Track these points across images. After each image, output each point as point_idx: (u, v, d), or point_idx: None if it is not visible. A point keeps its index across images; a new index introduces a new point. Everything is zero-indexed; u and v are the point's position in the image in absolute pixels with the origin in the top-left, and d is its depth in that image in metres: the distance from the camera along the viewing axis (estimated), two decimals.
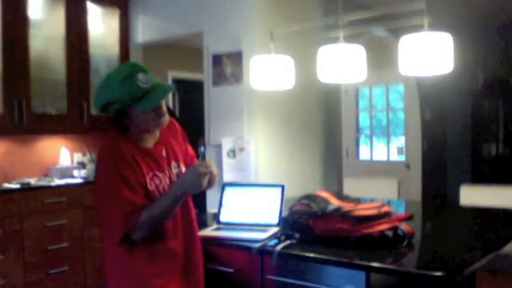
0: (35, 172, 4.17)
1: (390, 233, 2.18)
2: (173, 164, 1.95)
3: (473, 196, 3.51)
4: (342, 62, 2.59)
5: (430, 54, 2.33)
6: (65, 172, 4.18)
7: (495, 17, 5.72)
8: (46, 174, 4.21)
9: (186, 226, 1.98)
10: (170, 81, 6.42)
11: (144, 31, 4.59)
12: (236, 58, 3.76)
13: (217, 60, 3.88)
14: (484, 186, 3.66)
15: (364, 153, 7.30)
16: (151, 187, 1.81)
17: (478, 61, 6.20)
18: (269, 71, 2.91)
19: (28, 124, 3.85)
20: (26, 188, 3.75)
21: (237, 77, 3.77)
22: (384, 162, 6.88)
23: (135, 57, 4.67)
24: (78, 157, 4.45)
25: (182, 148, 2.07)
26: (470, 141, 6.31)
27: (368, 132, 7.26)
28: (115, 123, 1.85)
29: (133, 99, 1.74)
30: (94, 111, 4.30)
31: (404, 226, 2.19)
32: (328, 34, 2.73)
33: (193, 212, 2.07)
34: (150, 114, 1.79)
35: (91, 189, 4.13)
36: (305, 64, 3.16)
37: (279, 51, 2.92)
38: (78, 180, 4.12)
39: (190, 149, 2.15)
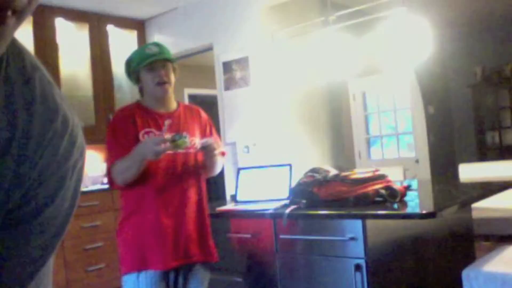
0: None
1: (384, 191, 2.50)
2: (184, 133, 2.22)
3: (470, 171, 3.81)
4: (333, 52, 2.97)
5: (409, 37, 2.69)
6: (96, 180, 4.59)
7: (488, 15, 6.05)
8: None
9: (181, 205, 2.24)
10: (186, 98, 6.85)
11: None
12: (244, 63, 4.16)
13: (227, 67, 4.28)
14: (479, 163, 3.96)
15: (376, 153, 7.60)
16: (142, 138, 2.15)
17: (475, 55, 6.52)
18: (270, 68, 3.29)
19: None
20: None
21: (246, 80, 4.16)
22: (395, 159, 7.16)
23: None
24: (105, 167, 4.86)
25: (201, 129, 2.39)
26: (474, 131, 6.58)
27: (378, 133, 7.58)
28: (139, 92, 2.31)
29: (138, 61, 2.21)
30: None
31: (396, 186, 2.52)
32: (322, 29, 3.12)
33: (194, 194, 2.29)
34: (150, 76, 2.20)
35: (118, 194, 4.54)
36: (306, 63, 3.53)
37: (280, 51, 3.31)
38: (106, 186, 4.52)
39: (215, 134, 2.45)
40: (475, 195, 2.63)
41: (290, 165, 2.87)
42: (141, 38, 5.06)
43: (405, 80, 6.54)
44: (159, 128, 2.21)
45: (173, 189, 2.21)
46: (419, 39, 2.63)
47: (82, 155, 0.50)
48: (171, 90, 2.27)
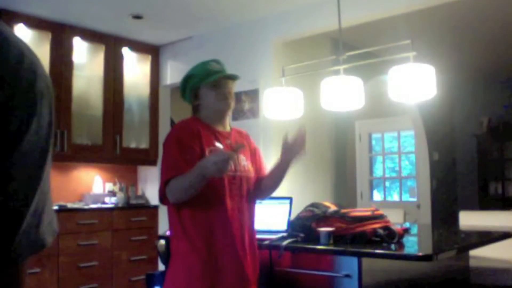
0: (71, 196, 4.61)
1: (382, 231, 2.51)
2: (242, 156, 2.18)
3: (470, 219, 3.81)
4: (342, 91, 3.02)
5: (415, 82, 2.73)
6: (98, 199, 4.61)
7: (498, 69, 6.14)
8: (80, 199, 4.64)
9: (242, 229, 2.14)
10: None
11: (172, 74, 5.13)
12: (253, 95, 4.23)
13: (236, 97, 4.33)
14: (480, 211, 3.95)
15: (378, 195, 7.59)
16: (208, 155, 2.04)
17: (482, 105, 6.57)
18: (280, 102, 3.34)
19: (68, 153, 4.32)
20: (63, 210, 4.18)
21: (254, 112, 4.22)
22: (396, 202, 7.15)
23: (164, 98, 5.19)
24: (109, 186, 4.88)
25: (252, 154, 2.29)
26: (477, 180, 6.58)
27: (381, 174, 7.58)
28: (193, 110, 2.21)
29: (201, 77, 2.14)
30: (126, 144, 4.77)
31: (395, 227, 2.53)
32: (332, 68, 3.18)
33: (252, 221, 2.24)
34: (214, 92, 2.13)
35: (121, 214, 4.56)
36: (314, 100, 3.59)
37: (290, 86, 3.37)
38: (110, 205, 4.54)
39: (264, 165, 2.35)
40: (473, 242, 2.63)
41: (290, 198, 2.89)
42: (155, 63, 5.16)
43: (412, 124, 6.59)
44: (221, 144, 2.13)
45: (235, 214, 2.11)
46: (426, 84, 2.68)
47: (48, 87, 0.52)
48: (232, 106, 2.22)
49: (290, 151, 2.15)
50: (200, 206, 2.04)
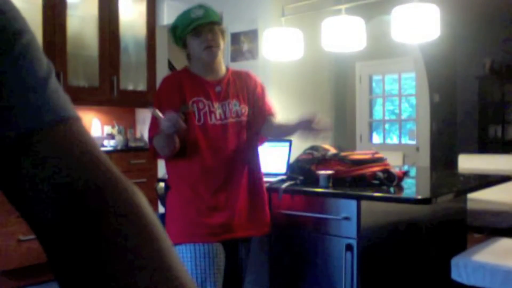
0: None
1: (381, 174, 2.50)
2: (233, 101, 2.18)
3: (469, 162, 3.81)
4: (343, 32, 2.93)
5: (419, 22, 2.65)
6: (97, 141, 4.59)
7: (502, 9, 5.97)
8: None
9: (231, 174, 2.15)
10: None
11: (169, 13, 4.98)
12: (252, 35, 4.13)
13: (235, 38, 4.25)
14: (479, 155, 3.96)
15: (377, 138, 7.60)
16: (192, 108, 2.09)
17: (485, 46, 6.45)
18: (280, 43, 3.26)
19: None
20: None
21: (253, 53, 4.13)
22: (396, 145, 7.17)
23: (161, 38, 5.06)
24: (107, 129, 4.86)
25: (251, 95, 2.25)
26: (477, 123, 6.56)
27: (381, 116, 7.56)
28: (187, 60, 2.21)
29: (184, 26, 2.09)
30: (123, 86, 4.71)
31: (394, 170, 2.52)
32: (333, 7, 3.08)
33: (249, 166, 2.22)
34: (197, 41, 2.08)
35: (120, 157, 4.56)
36: (315, 40, 3.50)
37: (290, 26, 3.27)
38: (108, 148, 4.53)
39: (267, 103, 2.33)
40: (471, 186, 2.64)
41: (290, 141, 2.87)
42: (151, 1, 5.00)
43: (413, 66, 6.49)
44: (208, 96, 2.11)
45: (221, 162, 2.12)
46: (430, 24, 2.60)
47: None
48: (220, 54, 2.14)
49: (306, 128, 2.14)
50: (183, 157, 2.09)
